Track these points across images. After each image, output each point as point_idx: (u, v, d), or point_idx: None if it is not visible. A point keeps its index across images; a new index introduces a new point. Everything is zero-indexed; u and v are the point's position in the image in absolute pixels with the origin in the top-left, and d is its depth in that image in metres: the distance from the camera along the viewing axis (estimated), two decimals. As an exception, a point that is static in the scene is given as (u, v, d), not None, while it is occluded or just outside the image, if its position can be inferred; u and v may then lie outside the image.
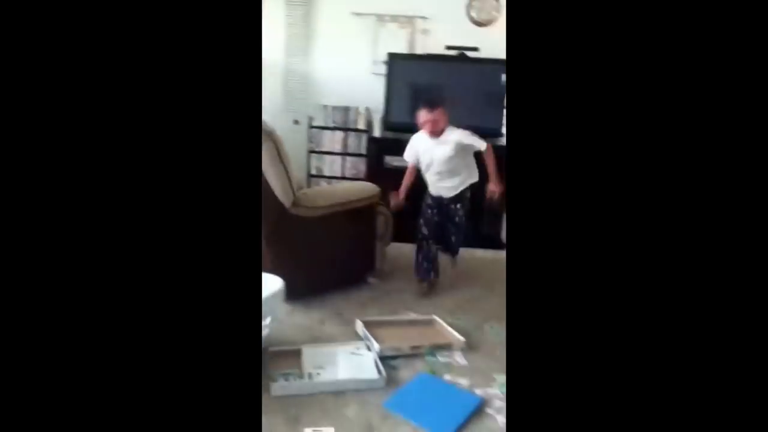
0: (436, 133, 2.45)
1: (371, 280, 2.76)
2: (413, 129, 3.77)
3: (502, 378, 1.79)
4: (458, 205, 2.60)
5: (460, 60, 3.74)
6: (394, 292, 2.65)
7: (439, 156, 2.50)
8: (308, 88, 4.02)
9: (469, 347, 2.04)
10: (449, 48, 3.81)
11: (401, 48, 3.87)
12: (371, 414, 1.52)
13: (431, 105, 2.45)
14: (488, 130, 3.29)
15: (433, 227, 2.64)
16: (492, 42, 3.76)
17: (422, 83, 3.71)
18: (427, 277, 2.65)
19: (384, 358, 1.83)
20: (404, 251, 3.51)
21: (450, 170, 2.53)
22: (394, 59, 3.67)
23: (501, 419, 1.54)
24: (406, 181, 2.67)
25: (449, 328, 2.18)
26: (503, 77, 3.54)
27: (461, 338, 2.07)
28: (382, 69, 3.76)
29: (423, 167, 2.62)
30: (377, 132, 3.87)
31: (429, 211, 2.65)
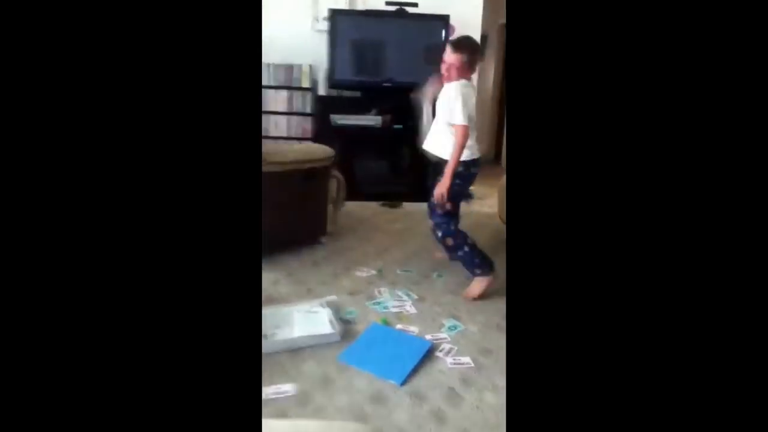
0: (446, 79, 2.17)
1: (323, 239, 2.80)
2: (358, 87, 3.79)
3: (449, 322, 1.93)
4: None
5: (400, 15, 3.70)
6: (345, 251, 2.71)
7: (440, 103, 2.22)
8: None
9: (419, 297, 2.15)
10: (389, 3, 3.76)
11: (342, 4, 3.79)
12: (329, 368, 1.60)
13: (454, 46, 2.14)
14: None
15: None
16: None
17: (364, 39, 3.67)
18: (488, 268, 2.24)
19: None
20: (353, 209, 3.57)
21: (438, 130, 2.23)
22: (335, 15, 3.60)
23: (449, 360, 1.66)
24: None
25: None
26: (443, 33, 3.56)
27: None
28: (325, 26, 3.68)
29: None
30: (322, 90, 3.82)
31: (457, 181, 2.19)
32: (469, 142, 2.13)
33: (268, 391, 1.46)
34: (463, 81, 2.13)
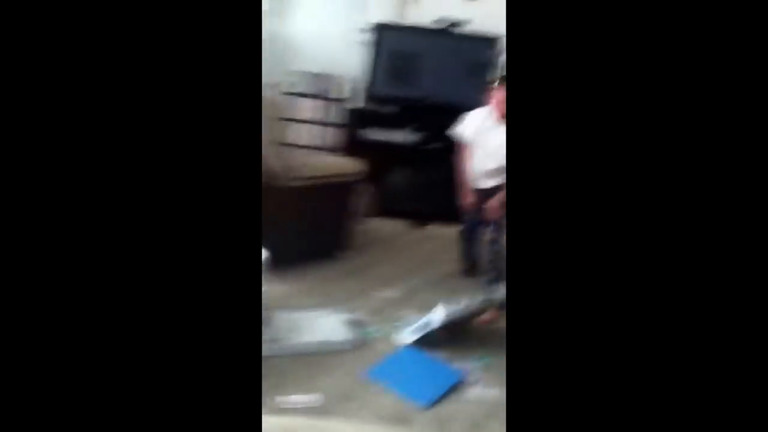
0: (503, 116, 2.14)
1: (343, 255, 2.73)
2: (396, 101, 3.76)
3: (479, 352, 1.84)
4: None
5: (446, 33, 3.68)
6: (366, 268, 2.63)
7: (501, 142, 2.11)
8: (286, 53, 3.89)
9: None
10: (437, 21, 3.75)
11: (389, 17, 3.79)
12: (351, 383, 1.54)
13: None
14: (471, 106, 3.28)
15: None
16: (481, 17, 3.72)
17: (407, 54, 3.65)
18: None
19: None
20: (378, 226, 3.51)
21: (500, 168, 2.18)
22: (381, 29, 3.59)
23: (477, 390, 1.59)
24: (466, 170, 2.33)
25: None
26: (490, 53, 3.52)
27: None
28: (367, 37, 3.68)
29: (477, 152, 2.28)
30: (359, 102, 3.81)
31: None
32: None
33: (291, 400, 1.42)
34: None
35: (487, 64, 3.49)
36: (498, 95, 2.12)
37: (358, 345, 1.76)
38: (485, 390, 1.59)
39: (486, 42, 3.55)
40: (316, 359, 1.64)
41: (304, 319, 1.88)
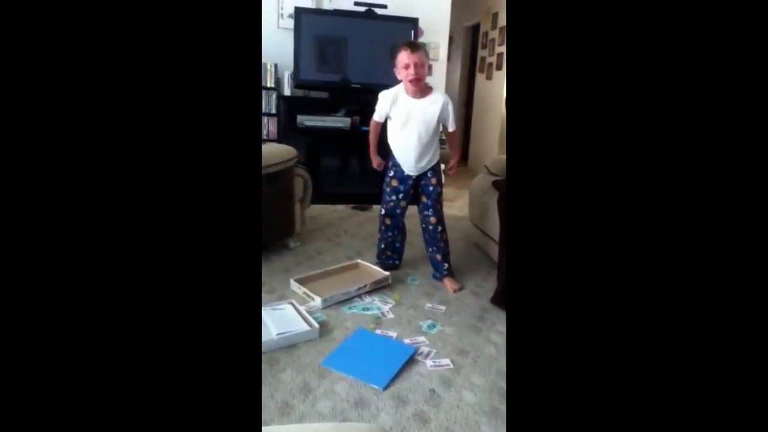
0: (419, 82, 2.06)
1: (292, 244, 2.75)
2: (324, 87, 3.74)
3: (426, 322, 1.95)
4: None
5: (368, 16, 3.69)
6: (316, 255, 2.68)
7: (422, 117, 2.12)
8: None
9: (395, 301, 2.15)
10: (357, 4, 3.75)
11: (308, 2, 3.74)
12: (307, 375, 1.57)
13: (413, 46, 2.06)
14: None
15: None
16: (401, 0, 3.76)
17: (331, 39, 3.64)
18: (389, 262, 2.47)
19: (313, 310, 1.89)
20: (322, 213, 3.53)
21: (428, 142, 2.19)
22: (301, 13, 3.55)
23: (429, 363, 1.66)
24: (373, 142, 2.33)
25: (374, 267, 2.39)
26: (412, 35, 3.58)
27: (386, 273, 2.31)
28: (290, 24, 3.62)
29: (396, 127, 2.20)
30: (287, 90, 3.76)
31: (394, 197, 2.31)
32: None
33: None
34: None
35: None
36: (406, 59, 2.02)
37: (322, 336, 1.78)
38: (436, 360, 1.67)
39: (408, 23, 3.61)
40: (275, 354, 1.65)
41: (264, 314, 1.87)
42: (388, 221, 2.37)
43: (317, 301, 2.02)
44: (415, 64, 2.01)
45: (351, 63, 3.67)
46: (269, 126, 3.80)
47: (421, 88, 2.11)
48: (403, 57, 2.03)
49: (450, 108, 2.18)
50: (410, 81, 2.05)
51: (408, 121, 2.15)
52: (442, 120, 2.18)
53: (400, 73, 2.08)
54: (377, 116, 2.25)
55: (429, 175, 2.27)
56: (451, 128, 2.23)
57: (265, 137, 3.77)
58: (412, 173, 2.26)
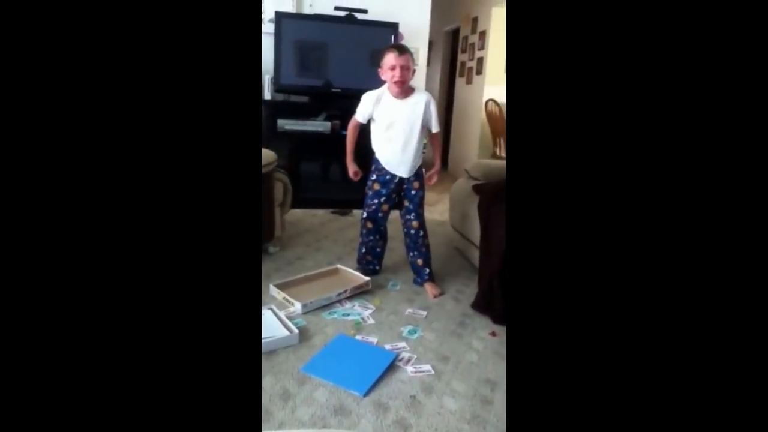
0: (404, 84, 2.09)
1: (272, 249, 2.73)
2: (305, 91, 3.73)
3: (407, 328, 1.94)
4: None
5: (349, 21, 3.69)
6: (296, 261, 2.66)
7: (407, 117, 2.14)
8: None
9: (376, 307, 2.14)
10: (338, 9, 3.74)
11: (288, 7, 3.72)
12: (287, 381, 1.55)
13: (400, 49, 2.08)
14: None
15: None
16: (381, 5, 3.77)
17: (311, 44, 3.63)
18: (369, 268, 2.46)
19: (291, 316, 1.87)
20: (302, 218, 3.51)
21: (414, 144, 2.18)
22: (281, 18, 3.53)
23: (410, 369, 1.66)
24: (350, 144, 2.31)
25: (354, 272, 2.39)
26: (392, 40, 3.59)
27: (367, 278, 2.30)
28: (270, 28, 3.60)
29: (380, 129, 2.21)
30: (267, 94, 3.74)
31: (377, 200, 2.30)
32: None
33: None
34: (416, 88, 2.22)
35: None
36: (392, 61, 2.05)
37: (301, 341, 1.77)
38: (417, 366, 1.66)
39: (389, 28, 3.62)
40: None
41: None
42: (369, 225, 2.35)
43: (297, 306, 2.01)
44: (401, 67, 2.05)
45: (331, 67, 3.67)
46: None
47: (404, 90, 2.14)
48: (390, 59, 2.07)
49: (433, 107, 2.19)
50: (395, 82, 2.08)
51: (393, 123, 2.17)
52: (425, 122, 2.18)
53: (385, 74, 2.11)
54: (359, 116, 2.25)
55: (411, 179, 2.27)
56: (434, 129, 2.24)
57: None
58: (398, 174, 2.25)
